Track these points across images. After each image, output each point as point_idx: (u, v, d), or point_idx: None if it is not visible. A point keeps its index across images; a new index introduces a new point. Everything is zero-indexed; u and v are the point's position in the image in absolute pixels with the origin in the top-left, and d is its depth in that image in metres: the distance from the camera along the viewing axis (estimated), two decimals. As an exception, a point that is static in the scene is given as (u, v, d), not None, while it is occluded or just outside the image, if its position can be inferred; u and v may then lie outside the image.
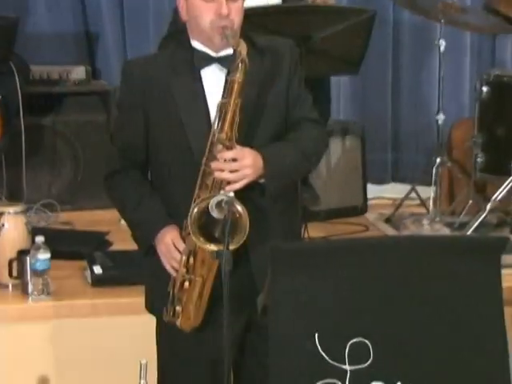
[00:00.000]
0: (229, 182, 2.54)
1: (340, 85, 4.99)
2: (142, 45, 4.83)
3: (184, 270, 2.60)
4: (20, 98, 4.12)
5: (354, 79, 4.91)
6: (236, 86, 2.55)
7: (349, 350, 2.36)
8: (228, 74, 2.63)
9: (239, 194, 2.55)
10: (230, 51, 2.66)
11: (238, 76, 2.55)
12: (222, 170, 2.54)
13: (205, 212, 2.51)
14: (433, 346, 2.46)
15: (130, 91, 2.78)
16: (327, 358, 2.35)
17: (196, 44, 2.72)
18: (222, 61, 2.69)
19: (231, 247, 2.44)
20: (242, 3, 2.71)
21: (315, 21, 3.70)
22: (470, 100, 4.88)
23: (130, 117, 2.78)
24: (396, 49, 5.11)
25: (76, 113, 4.66)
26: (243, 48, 2.56)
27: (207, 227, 2.53)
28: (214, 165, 2.54)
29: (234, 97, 2.55)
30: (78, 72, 4.70)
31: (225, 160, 2.54)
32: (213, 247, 2.49)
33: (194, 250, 2.58)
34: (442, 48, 4.22)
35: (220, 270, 2.47)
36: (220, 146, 2.56)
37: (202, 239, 2.51)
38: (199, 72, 2.70)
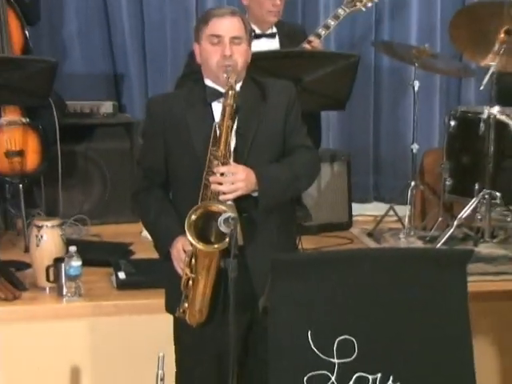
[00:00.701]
0: (224, 193, 2.56)
1: (329, 118, 4.98)
2: (161, 83, 4.83)
3: (188, 270, 2.60)
4: (57, 128, 4.10)
5: (341, 114, 4.89)
6: (227, 110, 2.58)
7: (337, 346, 2.36)
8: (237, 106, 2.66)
9: (236, 205, 2.57)
10: (236, 88, 2.66)
11: (229, 102, 2.58)
12: (219, 183, 2.56)
13: (201, 218, 2.53)
14: (408, 343, 2.45)
15: (152, 123, 2.80)
16: (318, 352, 2.35)
17: (208, 82, 2.75)
18: None
19: (220, 247, 2.49)
20: (247, 46, 2.74)
21: (308, 64, 3.69)
22: (440, 132, 4.89)
23: (152, 144, 2.80)
24: (377, 88, 5.11)
25: (104, 141, 4.65)
26: (233, 78, 2.60)
27: (203, 231, 2.55)
28: (211, 178, 2.56)
29: (226, 119, 2.58)
30: (107, 107, 4.71)
31: (221, 174, 2.56)
32: (204, 247, 2.51)
33: (195, 252, 2.58)
34: (416, 88, 4.22)
35: (221, 271, 2.53)
36: (216, 162, 2.57)
37: (196, 240, 2.51)
38: (210, 105, 2.72)
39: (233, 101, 2.58)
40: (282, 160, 2.75)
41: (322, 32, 4.21)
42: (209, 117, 2.70)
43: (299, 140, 2.80)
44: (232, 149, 2.64)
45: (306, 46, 4.12)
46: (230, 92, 2.58)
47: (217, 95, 2.71)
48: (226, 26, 2.69)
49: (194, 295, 2.63)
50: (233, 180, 2.56)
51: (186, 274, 2.61)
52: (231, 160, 2.62)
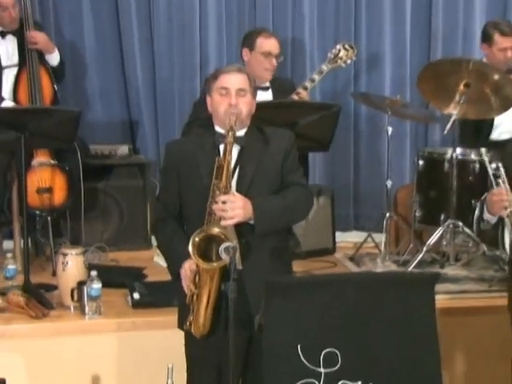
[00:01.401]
0: (225, 219, 2.57)
1: (315, 159, 4.96)
2: (170, 129, 4.83)
3: (193, 286, 2.60)
4: (81, 168, 4.12)
5: (325, 155, 4.89)
6: (228, 147, 2.62)
7: (323, 357, 2.35)
8: (241, 149, 2.70)
9: (236, 231, 2.60)
10: (241, 133, 2.72)
11: (229, 140, 2.62)
12: (220, 210, 2.56)
13: (203, 240, 2.53)
14: (385, 354, 2.45)
15: (168, 162, 2.84)
16: (306, 363, 2.34)
17: (217, 128, 2.77)
18: (236, 140, 2.71)
19: (219, 265, 2.49)
20: (251, 98, 2.77)
21: (297, 113, 3.71)
22: (410, 170, 4.87)
23: (168, 181, 2.83)
24: (356, 133, 5.10)
25: (121, 179, 4.65)
26: (232, 120, 2.63)
27: (206, 251, 2.55)
28: (214, 206, 2.57)
29: (226, 155, 2.61)
30: (123, 149, 4.70)
31: (222, 202, 2.56)
32: (205, 265, 2.51)
33: (199, 270, 2.58)
34: (389, 132, 4.21)
35: (222, 292, 2.53)
36: (218, 192, 2.58)
37: (199, 258, 2.51)
38: (218, 147, 2.73)
39: (232, 139, 2.61)
40: (277, 193, 2.76)
41: (309, 85, 4.23)
42: (215, 156, 2.70)
43: (295, 178, 2.81)
44: (235, 183, 2.66)
45: (295, 96, 4.13)
46: (230, 133, 2.61)
47: (224, 139, 2.72)
48: (233, 79, 2.73)
49: (198, 309, 2.62)
50: (232, 207, 2.57)
51: (191, 290, 2.61)
52: (232, 190, 2.62)
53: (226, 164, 2.60)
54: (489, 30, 4.35)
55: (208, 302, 2.61)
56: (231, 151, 2.62)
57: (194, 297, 2.61)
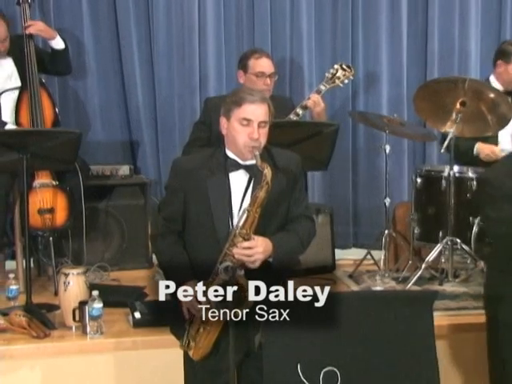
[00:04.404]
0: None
1: (314, 177, 4.99)
2: (170, 149, 4.84)
3: (200, 320, 2.57)
4: (82, 188, 4.13)
5: (324, 173, 4.91)
6: (258, 201, 2.60)
7: (323, 376, 2.35)
8: (251, 177, 2.68)
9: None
10: (253, 161, 2.68)
11: (261, 194, 2.60)
12: (242, 255, 2.57)
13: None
14: (384, 371, 2.45)
15: (175, 179, 2.82)
16: (306, 382, 2.34)
17: (229, 153, 2.74)
18: (247, 168, 2.72)
19: (234, 312, 2.39)
20: (268, 129, 2.73)
21: (296, 131, 3.72)
22: (408, 188, 4.88)
23: (173, 198, 2.81)
24: (354, 151, 5.12)
25: (122, 199, 4.65)
26: (269, 172, 2.59)
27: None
28: (235, 251, 2.57)
29: (255, 207, 2.60)
30: (124, 169, 4.71)
31: (242, 247, 2.57)
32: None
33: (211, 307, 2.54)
34: (387, 151, 4.22)
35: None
36: (240, 238, 2.58)
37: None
38: (228, 175, 2.72)
39: (265, 194, 2.59)
40: (288, 228, 2.77)
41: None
42: (227, 186, 2.71)
43: (301, 210, 2.82)
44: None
45: (308, 101, 4.12)
46: (265, 185, 2.58)
47: (236, 167, 2.72)
48: (258, 112, 2.68)
49: (202, 340, 2.61)
50: (253, 252, 2.59)
51: (199, 324, 2.59)
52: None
53: (253, 215, 2.59)
54: (507, 48, 4.37)
55: (213, 335, 2.60)
56: (261, 204, 2.59)
57: (201, 329, 2.60)
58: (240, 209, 2.67)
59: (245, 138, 2.66)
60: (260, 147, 2.66)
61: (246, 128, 2.66)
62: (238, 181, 2.73)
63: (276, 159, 2.76)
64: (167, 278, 2.76)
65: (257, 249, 2.59)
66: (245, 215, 2.59)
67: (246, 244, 2.57)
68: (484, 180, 3.07)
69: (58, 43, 4.29)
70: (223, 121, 2.75)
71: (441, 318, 3.31)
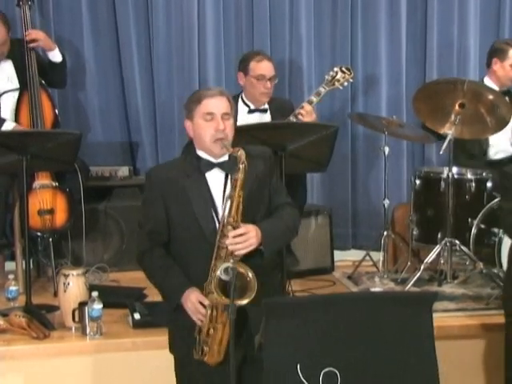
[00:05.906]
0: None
1: (313, 179, 4.99)
2: (170, 150, 4.84)
3: (208, 321, 2.58)
4: (82, 189, 4.13)
5: (323, 175, 4.91)
6: (239, 183, 2.58)
7: (322, 377, 2.35)
8: (227, 174, 2.68)
9: (244, 256, 2.58)
10: (225, 157, 2.70)
11: (240, 175, 2.58)
12: (235, 244, 2.55)
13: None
14: (384, 372, 2.44)
15: (152, 190, 2.77)
16: (306, 382, 2.33)
17: (201, 153, 2.74)
18: (221, 165, 2.72)
19: (245, 302, 2.46)
20: (233, 121, 2.75)
21: (295, 133, 3.72)
22: (407, 189, 4.89)
23: (153, 209, 2.77)
24: (353, 153, 5.12)
25: (122, 200, 4.65)
26: (242, 154, 2.58)
27: (225, 287, 2.53)
28: (228, 241, 2.55)
29: (237, 190, 2.58)
30: (123, 171, 4.72)
31: (234, 236, 2.55)
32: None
33: (215, 305, 2.56)
34: (386, 152, 4.23)
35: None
36: (229, 227, 2.57)
37: (223, 297, 2.50)
38: (204, 175, 2.72)
39: (243, 174, 2.58)
40: (273, 215, 2.76)
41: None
42: (205, 185, 2.71)
43: (282, 198, 2.83)
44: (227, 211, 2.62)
45: (300, 111, 4.12)
46: (241, 166, 2.57)
47: (210, 166, 2.72)
48: (218, 104, 2.70)
49: (215, 341, 2.60)
50: (246, 238, 2.57)
51: (207, 325, 2.59)
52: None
53: (237, 199, 2.58)
54: (502, 45, 4.41)
55: (224, 333, 2.59)
56: (242, 186, 2.59)
57: (211, 330, 2.59)
58: (222, 204, 2.65)
59: (211, 131, 2.67)
60: (227, 139, 2.67)
61: (211, 123, 2.68)
62: (215, 179, 2.72)
63: (248, 150, 2.73)
64: (165, 294, 2.77)
65: (250, 233, 2.57)
66: (229, 202, 2.58)
67: (238, 231, 2.56)
68: (506, 173, 3.11)
69: (55, 55, 4.30)
70: (188, 124, 2.76)
71: (440, 319, 3.30)
